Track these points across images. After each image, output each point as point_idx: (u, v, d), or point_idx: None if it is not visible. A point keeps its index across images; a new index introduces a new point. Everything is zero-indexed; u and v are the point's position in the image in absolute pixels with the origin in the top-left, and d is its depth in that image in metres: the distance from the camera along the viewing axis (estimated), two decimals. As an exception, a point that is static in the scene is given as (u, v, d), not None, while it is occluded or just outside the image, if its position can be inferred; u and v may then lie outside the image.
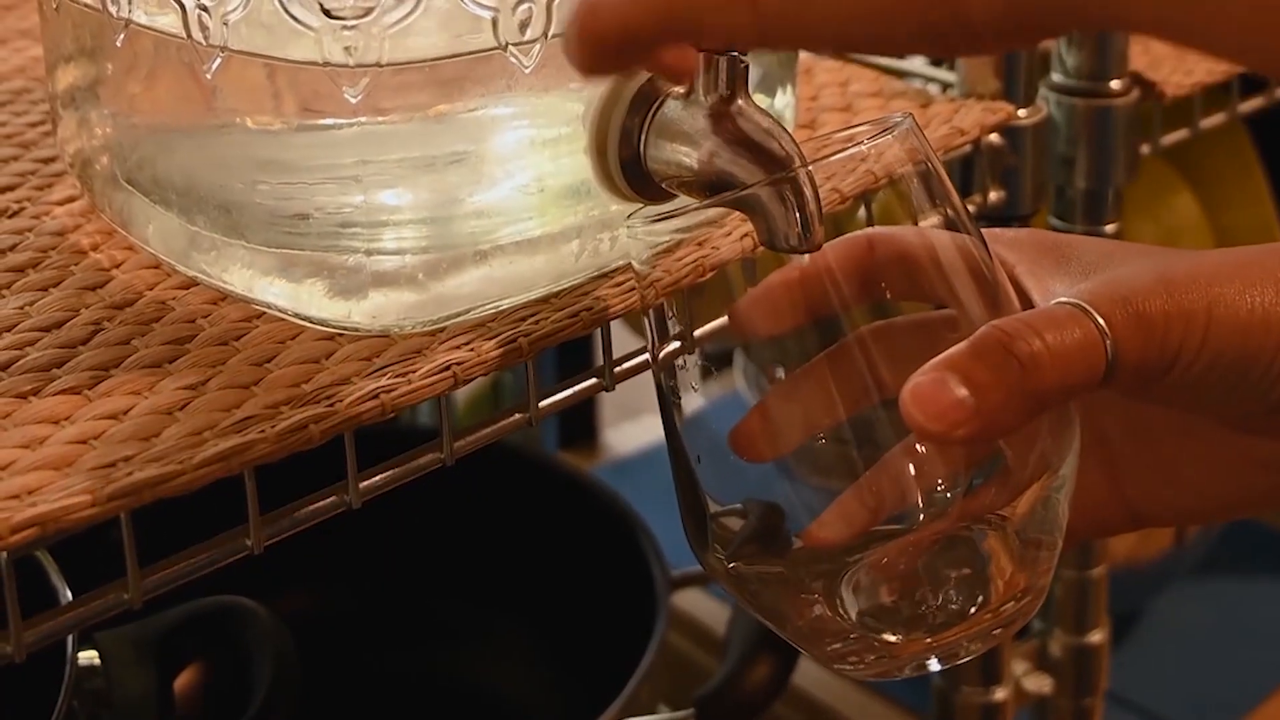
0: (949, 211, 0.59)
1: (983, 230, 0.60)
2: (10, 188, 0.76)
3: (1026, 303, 0.59)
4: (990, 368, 0.54)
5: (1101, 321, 0.56)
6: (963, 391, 0.54)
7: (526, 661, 1.15)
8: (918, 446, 0.56)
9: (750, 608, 0.60)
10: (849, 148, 0.59)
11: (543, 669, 1.14)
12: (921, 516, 0.57)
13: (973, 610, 0.57)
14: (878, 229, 0.60)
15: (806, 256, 0.58)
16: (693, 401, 0.61)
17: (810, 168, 0.58)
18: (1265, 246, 0.59)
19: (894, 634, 0.57)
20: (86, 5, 0.66)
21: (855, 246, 0.60)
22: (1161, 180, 1.18)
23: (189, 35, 0.61)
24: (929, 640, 0.57)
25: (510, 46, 0.61)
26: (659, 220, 0.60)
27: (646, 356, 0.64)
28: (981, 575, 0.57)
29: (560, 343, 0.64)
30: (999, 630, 0.58)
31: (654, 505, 1.03)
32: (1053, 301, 0.57)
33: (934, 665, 0.58)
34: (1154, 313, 0.56)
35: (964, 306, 0.58)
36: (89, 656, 0.77)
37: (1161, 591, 1.31)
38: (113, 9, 0.64)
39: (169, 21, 0.62)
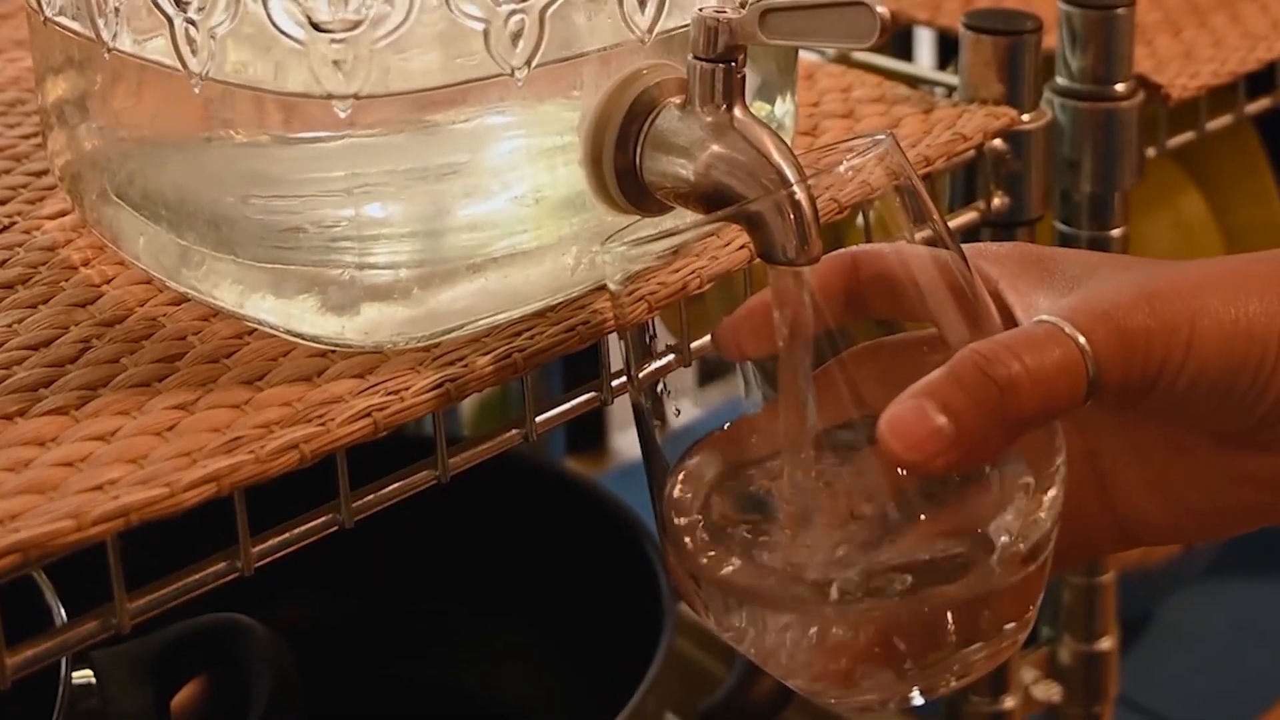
0: (930, 228, 0.58)
1: (966, 245, 0.60)
2: (1, 201, 0.76)
3: (1009, 318, 0.59)
4: (968, 393, 0.53)
5: (1082, 339, 0.55)
6: (941, 419, 0.53)
7: (532, 670, 1.14)
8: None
9: (730, 637, 0.59)
10: (829, 169, 0.58)
11: (549, 678, 1.14)
12: (902, 532, 0.56)
13: (957, 640, 0.56)
14: (861, 247, 0.60)
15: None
16: (673, 422, 0.60)
17: (810, 182, 0.58)
18: (1251, 255, 0.58)
19: (875, 665, 0.56)
20: (78, 33, 0.65)
21: (839, 266, 0.59)
22: (1169, 181, 1.17)
23: (177, 50, 0.61)
24: (911, 671, 0.56)
25: (504, 62, 0.60)
26: (639, 244, 0.59)
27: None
28: (965, 603, 0.56)
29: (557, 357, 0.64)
30: (983, 659, 0.57)
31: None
32: (1033, 320, 0.56)
33: (917, 698, 0.57)
34: (1135, 328, 0.55)
35: (944, 325, 0.58)
36: (84, 676, 0.76)
37: (1171, 595, 1.30)
38: (100, 23, 0.63)
39: (157, 46, 0.62)
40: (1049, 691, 1.02)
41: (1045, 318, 0.56)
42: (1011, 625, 0.57)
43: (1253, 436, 0.59)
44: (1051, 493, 0.57)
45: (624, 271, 0.60)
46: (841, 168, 0.58)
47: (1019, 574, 0.56)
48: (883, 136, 0.58)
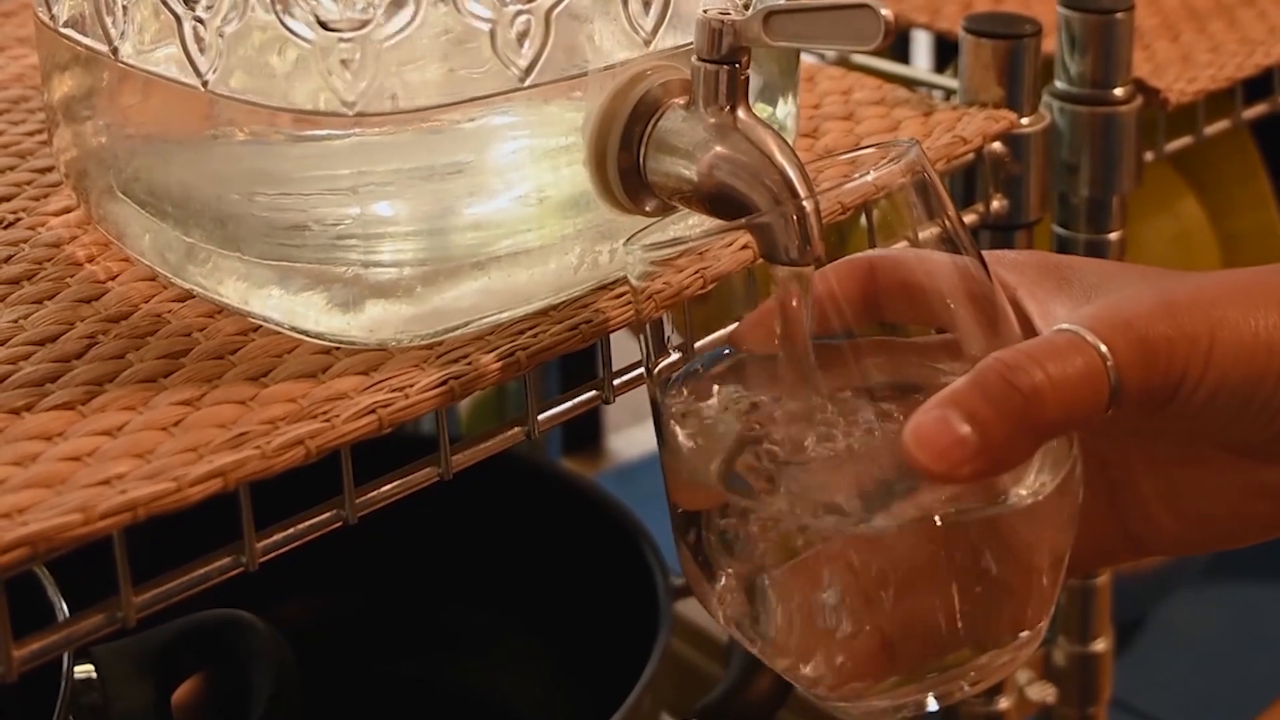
0: (952, 235, 0.58)
1: (984, 253, 0.59)
2: (6, 198, 0.76)
3: (1027, 326, 0.59)
4: (992, 402, 0.53)
5: (1104, 348, 0.55)
6: (965, 429, 0.53)
7: (529, 670, 1.14)
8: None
9: (743, 637, 0.59)
10: (853, 179, 0.58)
11: (545, 677, 1.14)
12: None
13: (972, 645, 0.56)
14: (879, 252, 0.60)
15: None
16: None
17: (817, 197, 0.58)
18: (1269, 267, 0.58)
19: (889, 671, 0.57)
20: (89, 47, 0.65)
21: (856, 270, 0.59)
22: (1167, 186, 1.18)
23: (185, 49, 0.61)
24: (927, 676, 0.56)
25: (510, 63, 0.60)
26: (656, 249, 0.59)
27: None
28: (980, 609, 0.56)
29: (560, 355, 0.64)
30: (998, 666, 0.57)
31: (658, 511, 1.02)
32: (1054, 328, 0.56)
33: (931, 704, 0.57)
34: (1156, 337, 0.55)
35: (964, 331, 0.58)
36: (85, 671, 0.76)
37: (1167, 597, 1.30)
38: (108, 20, 0.64)
39: (166, 53, 0.62)
40: (1044, 693, 1.02)
41: (1066, 326, 0.56)
42: (1026, 634, 0.57)
43: (1269, 448, 0.59)
44: (1066, 500, 0.57)
45: (645, 268, 0.60)
46: (869, 177, 0.58)
47: (1035, 582, 0.56)
48: (907, 144, 0.58)
